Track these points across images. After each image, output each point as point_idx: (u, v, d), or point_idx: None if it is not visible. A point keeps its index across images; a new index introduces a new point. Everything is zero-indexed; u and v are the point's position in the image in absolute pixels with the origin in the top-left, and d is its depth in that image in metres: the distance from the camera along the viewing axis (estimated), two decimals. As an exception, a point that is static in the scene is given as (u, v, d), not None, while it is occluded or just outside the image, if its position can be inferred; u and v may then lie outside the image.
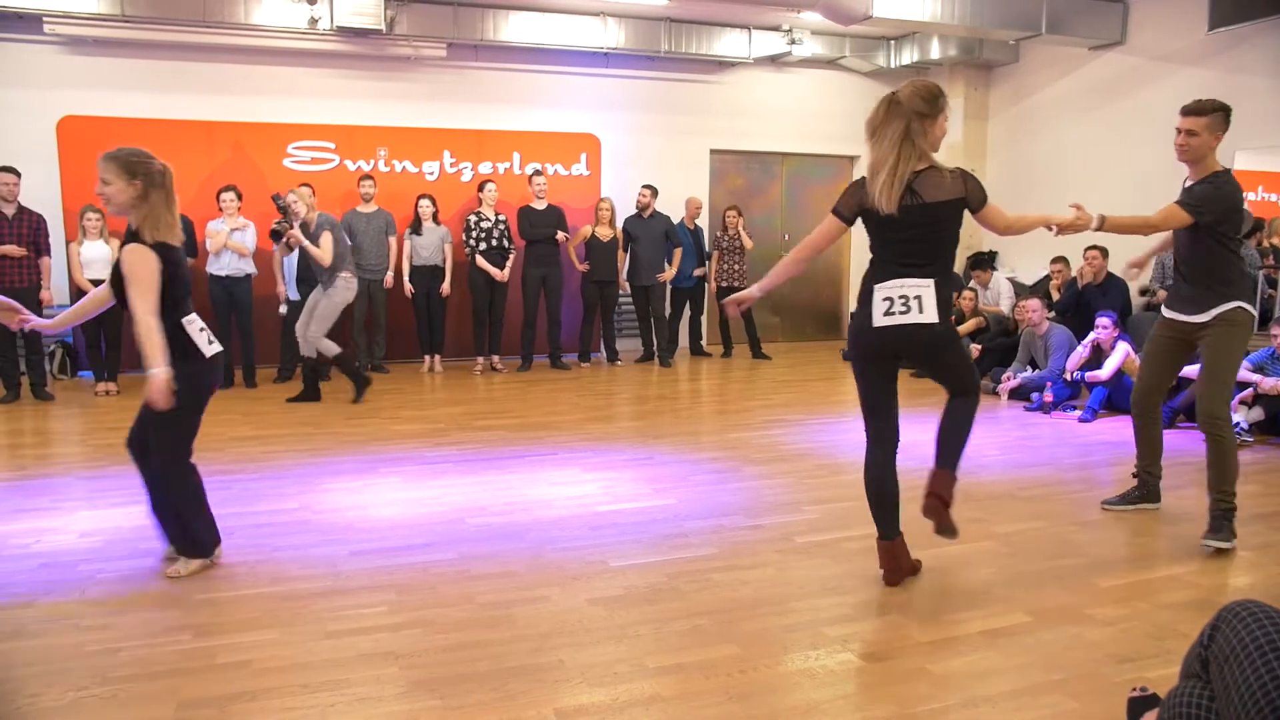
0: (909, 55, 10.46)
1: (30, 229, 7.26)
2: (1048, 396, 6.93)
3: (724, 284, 9.75)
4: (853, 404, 7.57)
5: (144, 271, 3.37)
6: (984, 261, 9.29)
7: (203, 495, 3.67)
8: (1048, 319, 7.49)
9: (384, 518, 4.32)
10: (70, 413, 6.94)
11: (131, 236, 3.47)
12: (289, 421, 6.46)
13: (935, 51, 10.15)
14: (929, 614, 3.23)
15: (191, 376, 3.49)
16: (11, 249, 7.12)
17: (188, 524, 3.61)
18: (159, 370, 3.31)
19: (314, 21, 8.59)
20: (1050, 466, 5.36)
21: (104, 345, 7.62)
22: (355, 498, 4.65)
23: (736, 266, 9.75)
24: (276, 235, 6.97)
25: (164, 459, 3.56)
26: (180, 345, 3.49)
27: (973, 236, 10.75)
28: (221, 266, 7.75)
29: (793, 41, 10.08)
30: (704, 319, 10.28)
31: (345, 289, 7.06)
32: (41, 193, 7.85)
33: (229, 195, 7.81)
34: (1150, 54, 8.76)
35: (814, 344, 11.30)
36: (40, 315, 7.27)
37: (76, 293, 7.53)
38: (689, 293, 9.85)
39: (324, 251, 6.91)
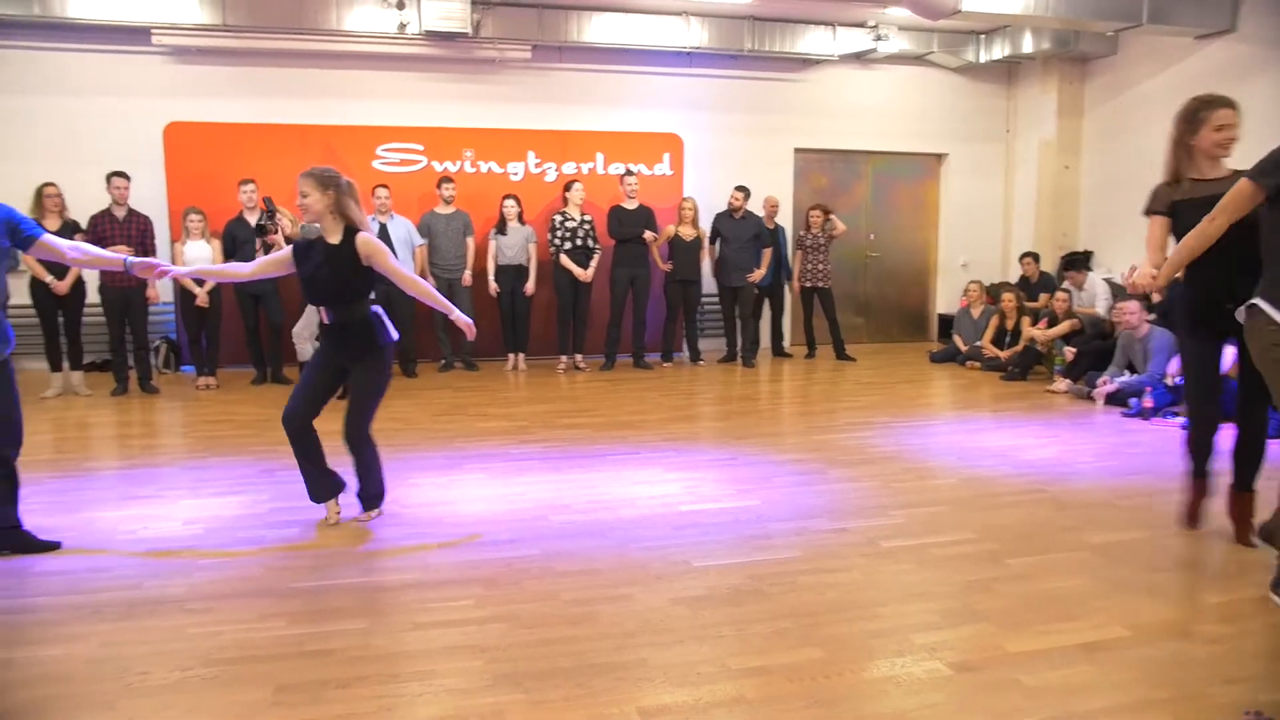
0: (999, 50, 10.18)
1: (139, 230, 7.61)
2: (1147, 402, 6.67)
3: (806, 284, 9.64)
4: (940, 407, 7.45)
5: (384, 248, 4.00)
6: (1079, 262, 8.99)
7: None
8: (1147, 321, 7.21)
9: (470, 513, 4.40)
10: (173, 405, 7.24)
11: (349, 233, 4.01)
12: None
13: (1028, 45, 9.86)
14: (1021, 624, 3.13)
15: (390, 353, 4.15)
16: (122, 249, 7.44)
17: (378, 479, 4.22)
18: (458, 314, 4.13)
19: (402, 26, 8.78)
20: (1150, 474, 5.15)
21: (205, 341, 7.93)
22: (442, 493, 4.74)
23: (820, 266, 9.63)
24: (261, 230, 7.30)
25: (364, 429, 4.15)
26: (384, 327, 4.08)
27: (1066, 235, 10.42)
28: (315, 266, 7.98)
29: (878, 38, 9.90)
30: (786, 319, 10.18)
31: None
32: (149, 196, 8.20)
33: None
34: (1263, 41, 8.34)
35: (901, 345, 11.09)
36: (146, 313, 7.70)
37: (179, 291, 7.85)
38: (766, 292, 9.77)
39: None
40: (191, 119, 8.73)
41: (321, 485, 4.18)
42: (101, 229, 7.50)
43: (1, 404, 3.76)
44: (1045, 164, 10.54)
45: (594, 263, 8.78)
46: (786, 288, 9.94)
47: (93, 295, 7.68)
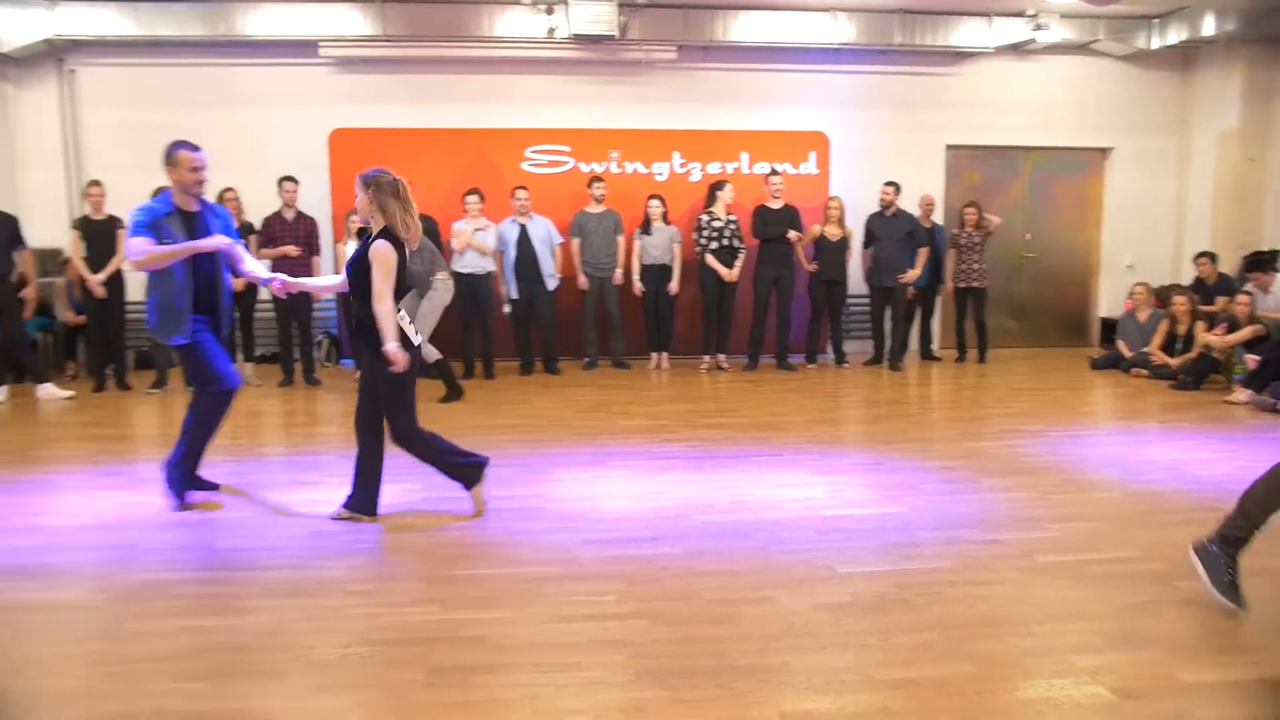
0: (1175, 34, 9.52)
1: (305, 230, 8.10)
2: (1341, 415, 6.11)
3: (961, 284, 9.30)
4: (1101, 416, 7.04)
5: (382, 259, 4.00)
6: (1263, 262, 8.31)
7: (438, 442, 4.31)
8: (1343, 327, 6.60)
9: (613, 509, 4.46)
10: (334, 397, 7.65)
11: (384, 234, 4.05)
12: (523, 413, 6.79)
13: (1209, 27, 9.16)
14: (1195, 652, 2.93)
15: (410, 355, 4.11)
16: (291, 249, 7.95)
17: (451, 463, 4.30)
18: (393, 345, 3.97)
19: (551, 30, 8.98)
20: (1344, 494, 4.70)
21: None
22: (586, 488, 4.82)
23: (975, 265, 9.27)
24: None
25: (398, 427, 4.18)
26: (401, 328, 4.09)
27: (1250, 235, 9.66)
28: (465, 265, 8.26)
29: (1038, 27, 9.44)
30: (935, 321, 9.85)
31: (445, 290, 7.22)
32: (315, 198, 8.70)
33: (472, 198, 8.32)
34: None
35: (1057, 350, 10.55)
36: (311, 310, 8.18)
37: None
38: (921, 294, 9.48)
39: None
40: (354, 125, 9.21)
41: (461, 474, 4.33)
42: (272, 229, 8.01)
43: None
44: (1226, 156, 9.79)
45: (739, 263, 8.74)
46: (940, 289, 9.61)
47: (264, 293, 8.20)
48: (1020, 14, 9.48)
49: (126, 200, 8.02)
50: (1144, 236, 10.60)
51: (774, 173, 8.89)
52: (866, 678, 2.76)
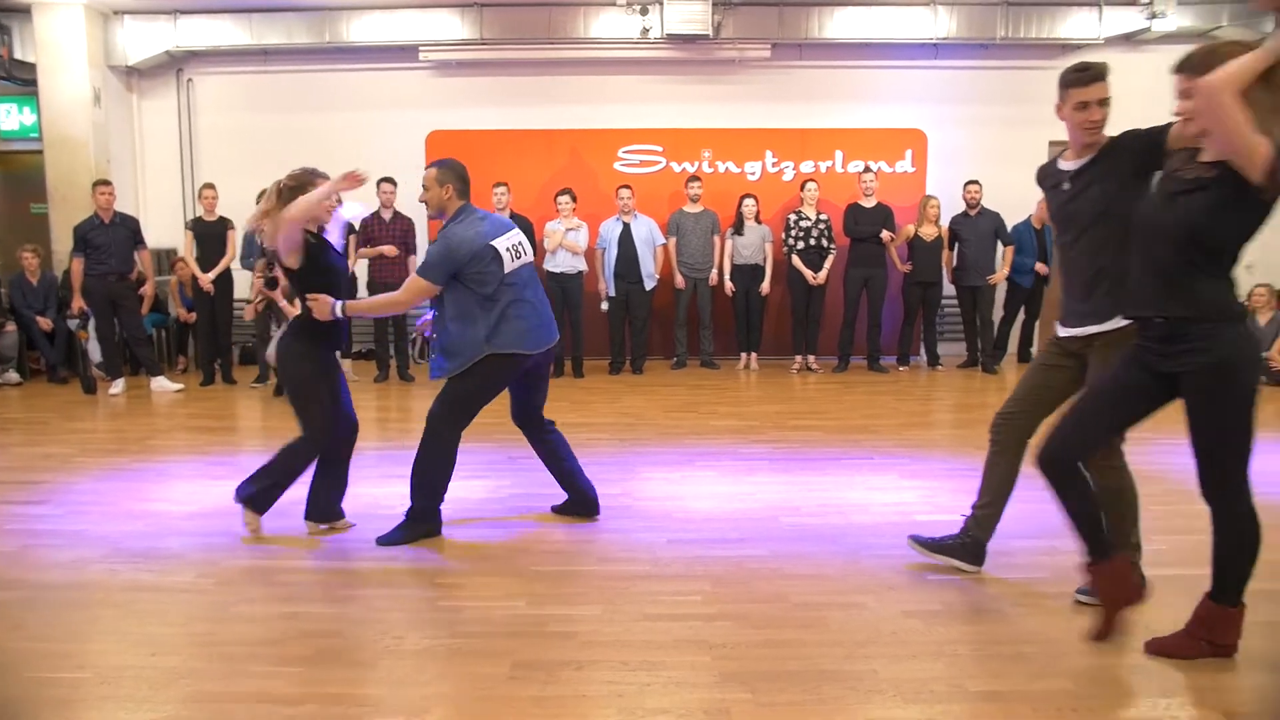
0: (1305, 21, 8.98)
1: (402, 230, 8.31)
2: None
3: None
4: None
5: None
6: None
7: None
8: None
9: (700, 509, 4.44)
10: (426, 393, 7.70)
11: None
12: (612, 411, 6.83)
13: (1345, 12, 8.62)
14: (1316, 674, 2.75)
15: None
16: (389, 249, 8.17)
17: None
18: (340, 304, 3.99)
19: (645, 31, 9.01)
20: None
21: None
22: (673, 488, 4.82)
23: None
24: (272, 283, 7.11)
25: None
26: None
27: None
28: (557, 264, 8.35)
29: (1153, 15, 9.02)
30: (1037, 324, 9.51)
31: None
32: (412, 199, 8.90)
33: (565, 198, 8.41)
34: None
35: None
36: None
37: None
38: (1025, 294, 9.15)
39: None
40: (450, 127, 9.41)
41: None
42: (371, 229, 8.25)
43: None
44: (1356, 151, 9.19)
45: (828, 263, 8.61)
46: (1045, 289, 9.27)
47: (363, 290, 8.46)
48: (1134, 2, 9.08)
49: (237, 202, 8.45)
50: (1265, 235, 9.93)
51: (867, 170, 8.73)
52: (957, 688, 2.68)
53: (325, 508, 4.19)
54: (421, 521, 4.04)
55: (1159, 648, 2.86)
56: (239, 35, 9.14)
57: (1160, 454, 5.52)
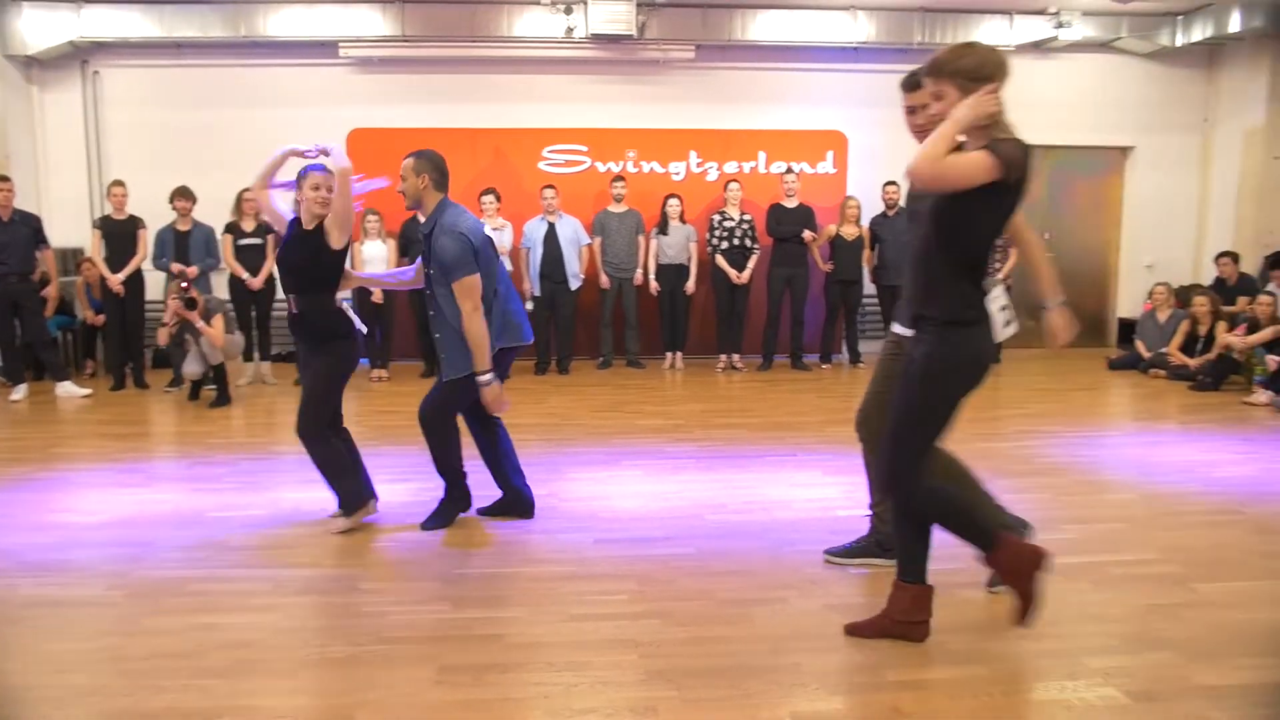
0: (1200, 31, 9.41)
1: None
2: (1365, 417, 6.03)
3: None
4: (1119, 417, 6.97)
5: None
6: (1286, 261, 8.23)
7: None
8: (1367, 328, 6.52)
9: (626, 509, 4.46)
10: (350, 396, 7.66)
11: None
12: (538, 412, 6.80)
13: (1236, 24, 9.04)
14: (1210, 655, 2.89)
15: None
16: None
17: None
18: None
19: (570, 30, 8.99)
20: (1368, 498, 4.65)
21: (379, 335, 8.38)
22: (600, 488, 4.83)
23: (997, 265, 9.21)
24: (191, 303, 6.96)
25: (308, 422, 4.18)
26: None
27: (1272, 234, 9.55)
28: (482, 264, 8.28)
29: (1060, 25, 9.36)
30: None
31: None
32: (333, 198, 8.73)
33: (489, 198, 8.35)
34: None
35: (1076, 351, 10.45)
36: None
37: (355, 290, 8.32)
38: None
39: (217, 333, 7.00)
40: (373, 125, 9.25)
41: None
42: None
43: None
44: (1250, 155, 9.68)
45: (751, 263, 8.72)
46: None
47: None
48: (1042, 11, 9.41)
49: (148, 201, 8.17)
50: (1164, 236, 10.49)
51: (789, 171, 8.86)
52: (878, 679, 2.75)
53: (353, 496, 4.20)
54: (453, 500, 4.22)
55: (857, 630, 3.02)
56: (148, 27, 8.83)
57: (1073, 446, 5.75)
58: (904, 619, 2.95)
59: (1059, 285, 3.35)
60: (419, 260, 4.24)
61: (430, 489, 4.68)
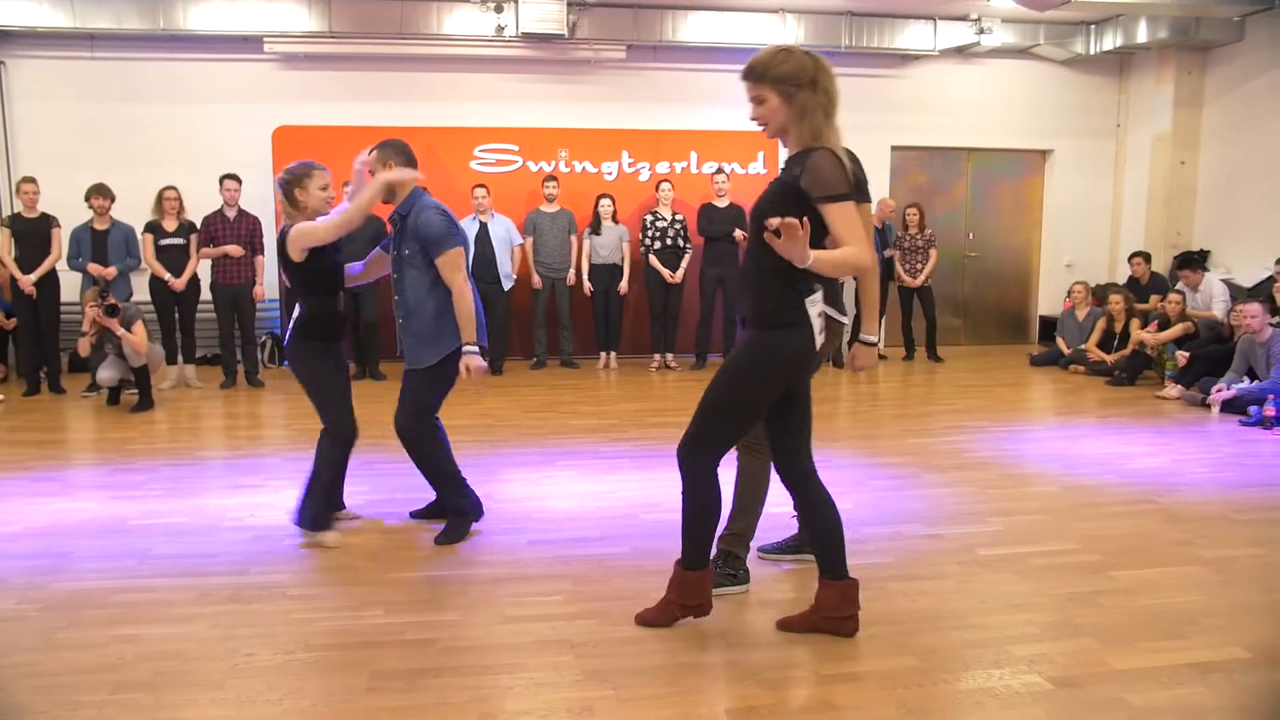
0: (1111, 40, 9.77)
1: (248, 229, 7.94)
2: (1269, 410, 6.31)
3: (907, 285, 9.43)
4: (1040, 412, 7.19)
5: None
6: (1194, 261, 8.58)
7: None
8: (1270, 325, 6.83)
9: (561, 509, 4.45)
10: (278, 398, 7.52)
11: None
12: (471, 413, 6.74)
13: (1143, 34, 9.42)
14: (1126, 640, 3.01)
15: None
16: (233, 249, 7.80)
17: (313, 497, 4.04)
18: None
19: (500, 29, 8.93)
20: (1271, 487, 4.88)
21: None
22: (534, 489, 4.81)
23: (920, 266, 9.42)
24: (113, 310, 6.80)
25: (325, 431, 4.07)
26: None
27: (1180, 234, 9.96)
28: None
29: (981, 31, 9.62)
30: (882, 320, 9.98)
31: None
32: (259, 196, 8.54)
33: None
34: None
35: (1000, 348, 10.76)
36: (254, 310, 8.00)
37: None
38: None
39: (139, 339, 6.87)
40: (298, 123, 9.06)
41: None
42: (213, 228, 7.85)
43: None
44: (1159, 159, 10.08)
45: (684, 263, 8.77)
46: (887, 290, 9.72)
47: (205, 293, 8.03)
48: (964, 18, 9.66)
49: (61, 198, 7.87)
50: (1082, 237, 10.86)
51: (719, 171, 8.93)
52: (812, 672, 2.79)
53: (318, 514, 4.01)
54: (462, 514, 4.08)
55: (644, 618, 3.10)
56: (58, 18, 8.49)
57: (997, 441, 5.91)
58: (833, 614, 3.01)
59: (876, 323, 3.52)
60: (372, 254, 4.18)
61: (363, 492, 4.61)
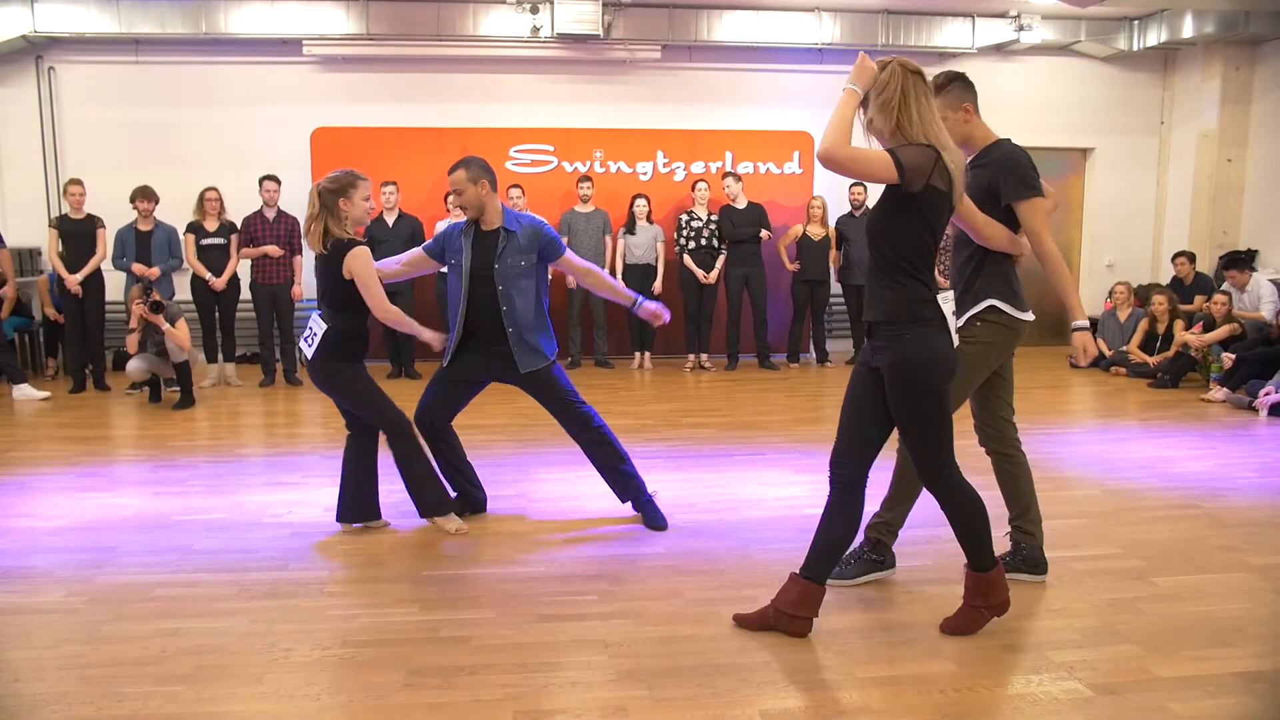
0: (1155, 35, 9.60)
1: (286, 230, 8.05)
2: (1317, 413, 6.17)
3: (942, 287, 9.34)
4: (1081, 414, 7.08)
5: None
6: (1241, 261, 8.40)
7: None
8: (1319, 326, 6.68)
9: (595, 509, 4.45)
10: (316, 396, 7.59)
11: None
12: (507, 412, 6.77)
13: (1188, 29, 9.25)
14: (1170, 647, 2.95)
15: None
16: (273, 249, 7.91)
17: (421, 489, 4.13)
18: (423, 331, 4.23)
19: (536, 30, 8.97)
20: (1320, 492, 4.77)
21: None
22: (569, 488, 4.82)
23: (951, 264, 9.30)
24: (158, 306, 6.91)
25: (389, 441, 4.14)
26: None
27: (1227, 233, 9.75)
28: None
29: (1020, 28, 9.50)
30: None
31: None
32: (297, 197, 8.64)
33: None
34: None
35: (1038, 349, 10.61)
36: (293, 309, 8.10)
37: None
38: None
39: (183, 334, 6.98)
40: (337, 124, 9.17)
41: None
42: (253, 229, 7.97)
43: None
44: (1204, 157, 9.88)
45: (719, 263, 8.75)
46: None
47: (245, 292, 8.15)
48: (1003, 15, 9.54)
49: (106, 199, 8.04)
50: (1124, 236, 10.68)
51: (727, 175, 8.88)
52: (847, 676, 2.77)
53: (358, 507, 4.15)
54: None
55: (951, 628, 3.05)
56: (104, 22, 8.67)
57: (1037, 443, 5.81)
58: (789, 611, 3.00)
59: (1079, 306, 3.75)
60: (411, 253, 4.46)
61: (396, 490, 4.64)
